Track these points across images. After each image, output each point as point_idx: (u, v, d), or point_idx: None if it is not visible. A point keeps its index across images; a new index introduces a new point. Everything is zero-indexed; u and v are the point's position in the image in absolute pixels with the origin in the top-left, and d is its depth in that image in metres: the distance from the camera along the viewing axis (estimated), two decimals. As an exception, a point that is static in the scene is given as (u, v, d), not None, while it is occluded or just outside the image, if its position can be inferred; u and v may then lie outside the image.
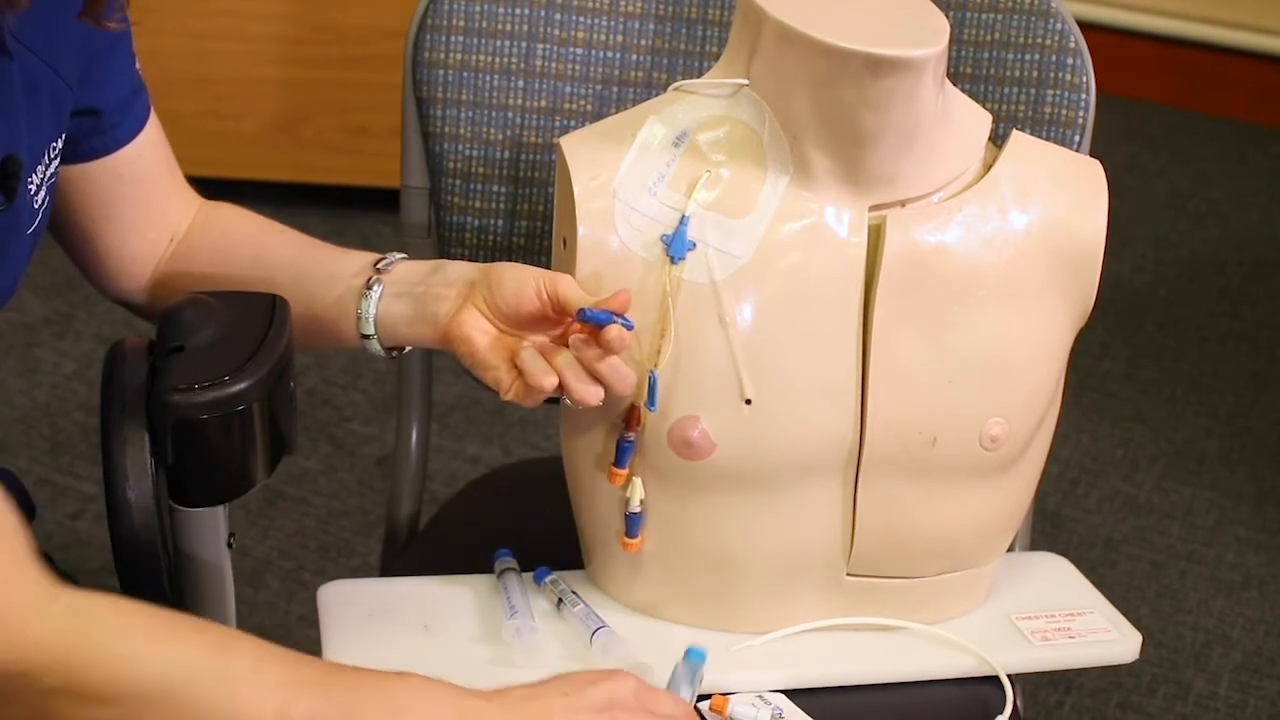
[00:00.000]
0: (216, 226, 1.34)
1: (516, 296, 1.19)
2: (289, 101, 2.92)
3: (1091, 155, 1.34)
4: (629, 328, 1.16)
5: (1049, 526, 2.39)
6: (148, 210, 1.30)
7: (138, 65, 1.27)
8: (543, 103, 1.44)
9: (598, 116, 1.43)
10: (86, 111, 1.22)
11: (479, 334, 1.20)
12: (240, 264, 1.30)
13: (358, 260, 1.28)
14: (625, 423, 1.22)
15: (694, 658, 1.17)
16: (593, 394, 1.17)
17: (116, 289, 1.33)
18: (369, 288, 1.24)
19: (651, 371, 1.20)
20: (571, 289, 1.18)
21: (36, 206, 1.16)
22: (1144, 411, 2.67)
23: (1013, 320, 1.24)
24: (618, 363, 1.17)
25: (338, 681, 1.01)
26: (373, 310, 1.24)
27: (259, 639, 1.00)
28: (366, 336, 1.25)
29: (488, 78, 1.43)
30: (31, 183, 1.15)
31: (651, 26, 1.44)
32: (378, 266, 1.26)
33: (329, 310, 1.26)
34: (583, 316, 1.16)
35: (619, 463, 1.23)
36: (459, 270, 1.23)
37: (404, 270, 1.25)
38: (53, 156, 1.18)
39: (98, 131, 1.24)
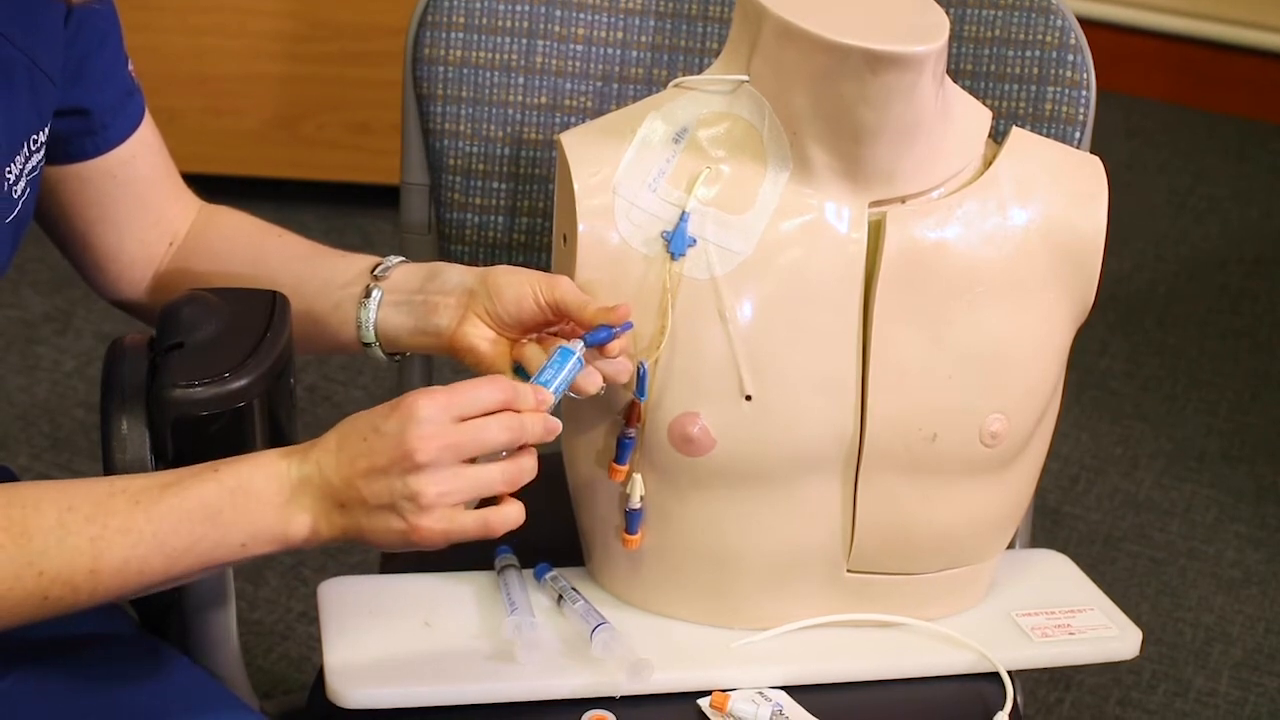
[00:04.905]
0: (215, 231, 1.34)
1: (517, 305, 1.19)
2: (289, 98, 2.91)
3: (1092, 152, 1.34)
4: (629, 328, 1.17)
5: (1049, 523, 2.39)
6: (145, 212, 1.30)
7: (131, 67, 1.27)
8: (543, 99, 1.44)
9: (598, 113, 1.43)
10: (76, 111, 1.22)
11: (482, 342, 1.21)
12: (239, 269, 1.30)
13: (355, 265, 1.27)
14: (626, 419, 1.22)
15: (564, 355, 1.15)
16: (592, 382, 1.17)
17: (116, 293, 1.33)
18: (367, 296, 1.24)
19: (641, 363, 1.20)
20: (569, 293, 1.18)
21: (16, 197, 1.16)
22: (1144, 408, 2.67)
23: (1013, 317, 1.24)
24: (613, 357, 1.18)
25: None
26: (372, 318, 1.24)
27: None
28: (368, 344, 1.25)
29: (488, 74, 1.43)
30: (10, 172, 1.14)
31: (652, 23, 1.43)
32: (375, 273, 1.25)
33: (329, 317, 1.26)
34: (588, 342, 1.16)
35: (619, 459, 1.23)
36: (457, 277, 1.23)
37: (401, 276, 1.25)
38: (34, 149, 1.17)
39: (88, 131, 1.24)
